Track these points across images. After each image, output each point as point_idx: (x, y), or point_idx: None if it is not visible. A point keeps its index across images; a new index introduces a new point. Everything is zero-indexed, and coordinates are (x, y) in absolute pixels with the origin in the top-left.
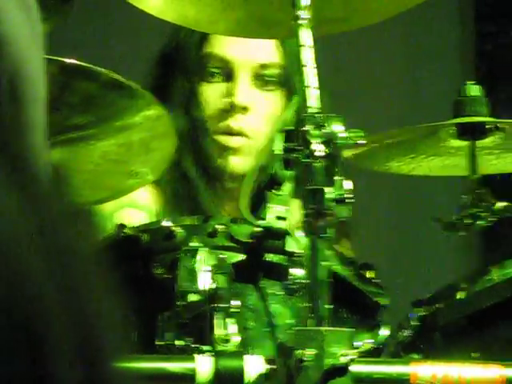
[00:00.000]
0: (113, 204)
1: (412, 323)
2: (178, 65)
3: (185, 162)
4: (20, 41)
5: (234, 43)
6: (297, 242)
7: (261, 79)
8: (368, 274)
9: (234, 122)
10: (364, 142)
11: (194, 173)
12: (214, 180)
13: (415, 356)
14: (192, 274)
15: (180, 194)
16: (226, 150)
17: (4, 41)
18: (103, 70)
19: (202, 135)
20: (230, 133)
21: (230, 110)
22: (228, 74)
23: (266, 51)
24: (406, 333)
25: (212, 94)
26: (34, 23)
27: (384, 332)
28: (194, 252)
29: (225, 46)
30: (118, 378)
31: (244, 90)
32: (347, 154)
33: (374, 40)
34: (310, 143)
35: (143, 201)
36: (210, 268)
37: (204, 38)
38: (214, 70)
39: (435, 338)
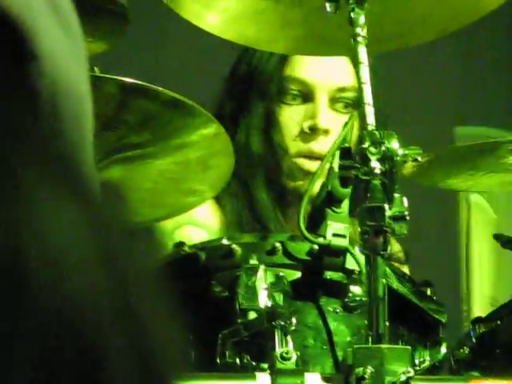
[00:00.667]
0: (173, 221)
1: (472, 340)
2: (256, 86)
3: (254, 182)
4: (59, 58)
5: (313, 66)
6: (356, 260)
7: (338, 102)
8: (428, 292)
9: (316, 144)
10: (421, 158)
11: (263, 193)
12: (286, 202)
13: (475, 374)
14: (252, 292)
15: (242, 212)
16: (306, 173)
17: (42, 58)
18: (161, 88)
19: (282, 157)
20: (312, 156)
21: (311, 132)
22: (307, 97)
23: (344, 74)
24: (466, 350)
25: (292, 116)
26: (75, 40)
27: (443, 349)
28: (254, 270)
29: (304, 69)
30: None
31: (325, 112)
32: (406, 170)
33: (430, 55)
34: (369, 160)
35: (203, 218)
36: (268, 286)
37: (283, 60)
38: (293, 92)
39: (495, 356)
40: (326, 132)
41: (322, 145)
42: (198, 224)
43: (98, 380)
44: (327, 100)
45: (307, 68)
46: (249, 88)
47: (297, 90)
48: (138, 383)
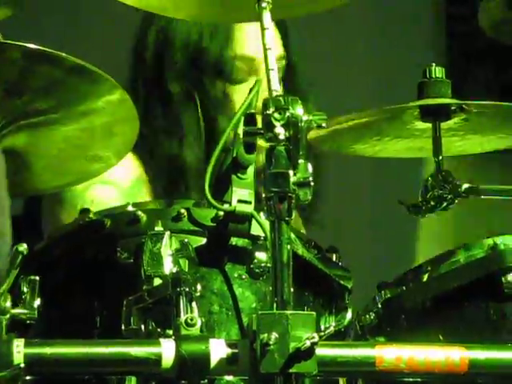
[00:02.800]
0: None
1: (378, 306)
2: (206, 68)
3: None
4: None
5: (253, 42)
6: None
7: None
8: (333, 257)
9: None
10: (326, 124)
11: (196, 164)
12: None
13: (380, 339)
14: (157, 259)
15: (167, 177)
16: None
17: None
18: (65, 54)
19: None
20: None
21: None
22: (252, 73)
23: (277, 44)
24: (372, 316)
25: (243, 93)
26: None
27: (349, 315)
28: (159, 236)
29: (246, 46)
30: None
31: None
32: (311, 136)
33: (346, 20)
34: (274, 126)
35: (114, 176)
36: (173, 252)
37: (226, 40)
38: (242, 70)
39: (401, 321)
40: None
41: None
42: (109, 182)
43: None
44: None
45: (247, 45)
46: (200, 69)
47: (245, 67)
48: None
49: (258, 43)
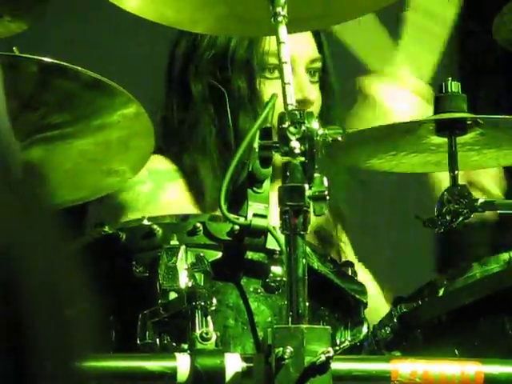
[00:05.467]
0: None
1: (393, 320)
2: (236, 65)
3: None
4: None
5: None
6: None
7: (310, 73)
8: (349, 272)
9: None
10: (342, 138)
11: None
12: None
13: (396, 353)
14: (172, 273)
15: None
16: None
17: None
18: (81, 68)
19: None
20: None
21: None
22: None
23: (312, 45)
24: (388, 330)
25: (274, 90)
26: None
27: (365, 329)
28: (174, 250)
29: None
30: (84, 378)
31: (309, 84)
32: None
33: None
34: (289, 140)
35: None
36: (188, 266)
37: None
38: (272, 66)
39: (416, 336)
40: (312, 103)
41: None
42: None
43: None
44: (303, 71)
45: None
46: (232, 66)
47: (274, 63)
48: (57, 349)
49: (290, 40)
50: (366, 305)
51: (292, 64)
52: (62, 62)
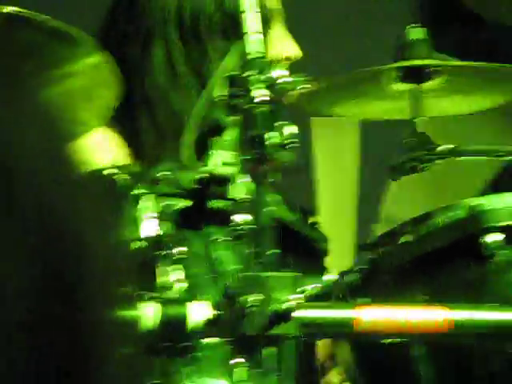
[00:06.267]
0: None
1: (359, 266)
2: (212, 27)
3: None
4: None
5: None
6: (241, 188)
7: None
8: (311, 220)
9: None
10: (306, 86)
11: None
12: None
13: (364, 300)
14: (135, 222)
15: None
16: None
17: None
18: (42, 17)
19: None
20: None
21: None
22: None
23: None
24: (354, 276)
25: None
26: None
27: (330, 276)
28: (137, 199)
29: None
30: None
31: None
32: (291, 98)
33: None
34: (254, 88)
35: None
36: (154, 215)
37: None
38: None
39: (383, 282)
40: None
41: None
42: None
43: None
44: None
45: None
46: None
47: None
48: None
49: None
50: (328, 252)
51: (269, 16)
52: (22, 10)
